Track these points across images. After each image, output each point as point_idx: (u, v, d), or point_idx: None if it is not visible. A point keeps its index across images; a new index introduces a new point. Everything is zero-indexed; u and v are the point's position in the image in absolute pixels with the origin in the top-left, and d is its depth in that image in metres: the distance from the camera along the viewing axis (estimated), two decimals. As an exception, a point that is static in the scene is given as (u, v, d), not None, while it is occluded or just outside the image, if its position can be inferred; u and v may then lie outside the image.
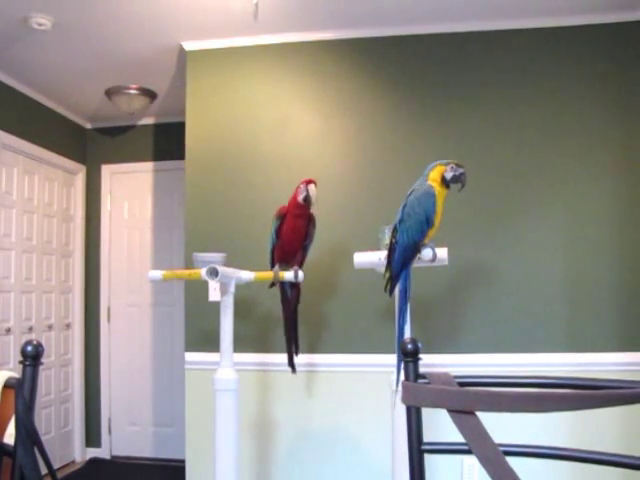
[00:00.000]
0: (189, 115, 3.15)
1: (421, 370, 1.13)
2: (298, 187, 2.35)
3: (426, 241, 2.07)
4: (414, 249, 2.04)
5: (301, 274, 2.35)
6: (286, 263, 2.41)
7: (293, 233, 2.38)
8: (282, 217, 2.39)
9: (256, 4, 2.75)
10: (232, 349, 2.29)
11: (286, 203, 2.98)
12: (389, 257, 2.09)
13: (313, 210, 2.41)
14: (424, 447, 1.10)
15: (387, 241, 2.13)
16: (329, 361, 2.89)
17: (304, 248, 2.45)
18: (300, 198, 2.32)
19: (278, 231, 2.41)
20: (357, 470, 2.87)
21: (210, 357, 2.75)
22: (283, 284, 2.51)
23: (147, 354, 4.43)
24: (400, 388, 1.13)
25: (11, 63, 3.40)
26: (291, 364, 2.56)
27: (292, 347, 2.56)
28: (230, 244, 2.85)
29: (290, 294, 2.53)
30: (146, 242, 4.49)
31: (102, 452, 4.40)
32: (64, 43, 3.13)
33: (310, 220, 2.42)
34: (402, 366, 1.99)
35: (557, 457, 1.05)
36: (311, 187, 2.30)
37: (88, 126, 4.57)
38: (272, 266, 2.43)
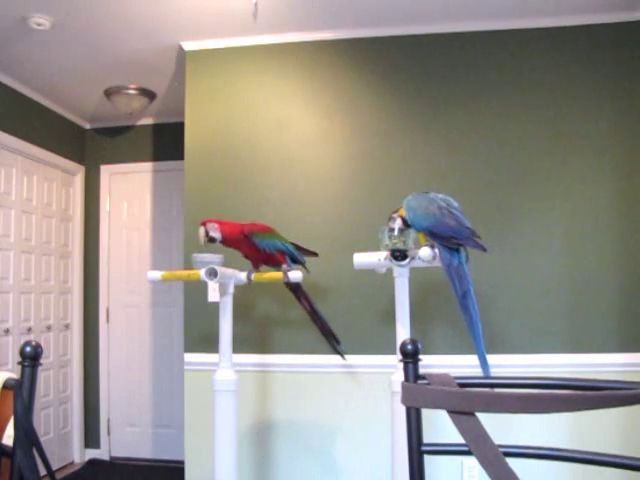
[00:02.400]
0: (188, 115, 3.15)
1: (421, 371, 1.13)
2: None
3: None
4: None
5: (293, 274, 2.34)
6: (274, 266, 2.42)
7: (250, 252, 2.41)
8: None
9: (255, 4, 2.75)
10: (231, 350, 2.28)
11: (285, 203, 3.00)
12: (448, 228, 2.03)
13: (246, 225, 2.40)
14: (424, 448, 1.10)
15: (387, 241, 2.12)
16: (329, 362, 2.88)
17: (274, 251, 2.40)
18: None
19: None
20: (357, 471, 2.86)
21: (209, 358, 2.75)
22: (288, 285, 2.52)
23: (146, 355, 4.42)
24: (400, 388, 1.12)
25: (10, 63, 3.39)
26: (337, 352, 2.65)
27: (330, 339, 2.62)
28: (229, 245, 2.84)
29: (297, 294, 2.53)
30: (145, 243, 4.49)
31: (101, 453, 4.39)
32: (63, 43, 3.13)
33: (245, 235, 2.36)
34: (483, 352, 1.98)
35: (557, 458, 1.05)
36: (199, 232, 2.32)
37: (87, 126, 4.56)
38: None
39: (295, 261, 2.46)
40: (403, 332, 2.15)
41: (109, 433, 4.41)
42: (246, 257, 2.47)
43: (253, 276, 2.35)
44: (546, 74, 2.91)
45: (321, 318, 2.56)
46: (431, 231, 2.04)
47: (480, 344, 2.02)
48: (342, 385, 2.90)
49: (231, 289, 2.27)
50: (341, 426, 2.89)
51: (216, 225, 2.34)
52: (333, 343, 2.62)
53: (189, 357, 3.01)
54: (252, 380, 2.94)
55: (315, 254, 2.55)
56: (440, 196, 2.12)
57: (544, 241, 2.85)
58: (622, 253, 2.79)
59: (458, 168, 2.93)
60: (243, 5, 2.76)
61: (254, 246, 2.37)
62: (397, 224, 2.11)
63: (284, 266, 2.37)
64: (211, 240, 2.32)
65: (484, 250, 2.03)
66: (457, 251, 2.04)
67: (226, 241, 2.37)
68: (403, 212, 2.11)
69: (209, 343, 2.83)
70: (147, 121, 4.48)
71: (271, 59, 3.11)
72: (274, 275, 2.36)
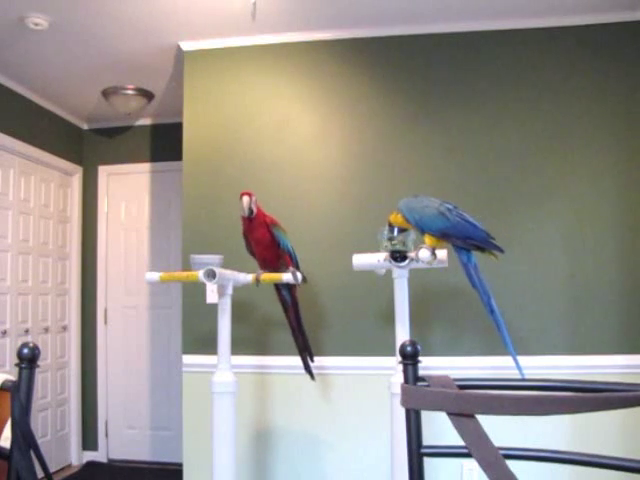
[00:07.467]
0: (186, 116, 3.14)
1: (420, 373, 1.12)
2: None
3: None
4: None
5: (299, 275, 2.33)
6: (275, 269, 2.39)
7: (260, 243, 2.38)
8: (243, 226, 2.40)
9: (254, 4, 2.74)
10: (230, 352, 2.27)
11: (284, 204, 2.99)
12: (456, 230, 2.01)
13: (262, 214, 2.38)
14: (423, 450, 1.10)
15: (386, 242, 2.11)
16: (328, 364, 2.88)
17: (286, 251, 2.40)
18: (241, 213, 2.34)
19: (247, 239, 2.44)
20: (356, 473, 2.85)
21: (208, 360, 2.73)
22: (279, 289, 2.49)
23: (144, 356, 4.41)
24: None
25: (7, 63, 3.38)
26: (308, 371, 2.56)
27: (305, 354, 2.54)
28: (228, 246, 2.83)
29: (289, 299, 2.50)
30: (143, 244, 4.48)
31: (99, 455, 4.38)
32: (61, 43, 3.12)
33: (268, 225, 2.37)
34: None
35: (558, 460, 1.05)
36: (242, 200, 2.30)
37: (85, 127, 4.56)
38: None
39: (298, 269, 2.43)
40: (402, 333, 2.14)
41: (107, 435, 4.40)
42: (252, 254, 2.45)
43: (261, 276, 2.33)
44: (546, 74, 2.91)
45: (304, 334, 2.53)
46: (445, 233, 1.99)
47: (511, 346, 2.00)
48: (341, 387, 2.89)
49: (230, 290, 2.26)
50: (340, 428, 2.88)
51: (256, 200, 2.32)
52: (307, 361, 2.55)
53: (187, 359, 3.00)
54: (251, 382, 2.93)
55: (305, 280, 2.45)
56: (434, 199, 2.10)
57: (544, 242, 2.84)
58: (623, 254, 2.79)
59: (458, 168, 2.92)
60: (241, 5, 2.76)
61: (270, 240, 2.35)
62: (386, 230, 2.11)
63: (291, 268, 2.35)
64: (249, 212, 2.30)
65: (502, 251, 1.99)
66: (471, 253, 2.02)
67: (252, 222, 2.34)
68: (397, 217, 2.09)
69: (207, 345, 2.82)
70: (145, 121, 4.47)
71: (270, 59, 3.11)
72: (282, 274, 2.33)
